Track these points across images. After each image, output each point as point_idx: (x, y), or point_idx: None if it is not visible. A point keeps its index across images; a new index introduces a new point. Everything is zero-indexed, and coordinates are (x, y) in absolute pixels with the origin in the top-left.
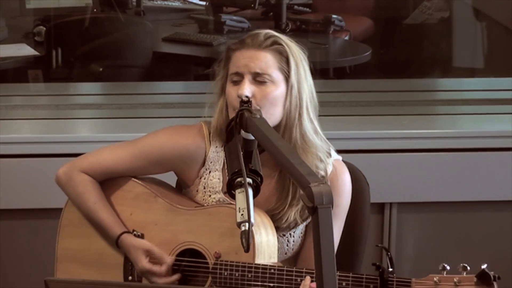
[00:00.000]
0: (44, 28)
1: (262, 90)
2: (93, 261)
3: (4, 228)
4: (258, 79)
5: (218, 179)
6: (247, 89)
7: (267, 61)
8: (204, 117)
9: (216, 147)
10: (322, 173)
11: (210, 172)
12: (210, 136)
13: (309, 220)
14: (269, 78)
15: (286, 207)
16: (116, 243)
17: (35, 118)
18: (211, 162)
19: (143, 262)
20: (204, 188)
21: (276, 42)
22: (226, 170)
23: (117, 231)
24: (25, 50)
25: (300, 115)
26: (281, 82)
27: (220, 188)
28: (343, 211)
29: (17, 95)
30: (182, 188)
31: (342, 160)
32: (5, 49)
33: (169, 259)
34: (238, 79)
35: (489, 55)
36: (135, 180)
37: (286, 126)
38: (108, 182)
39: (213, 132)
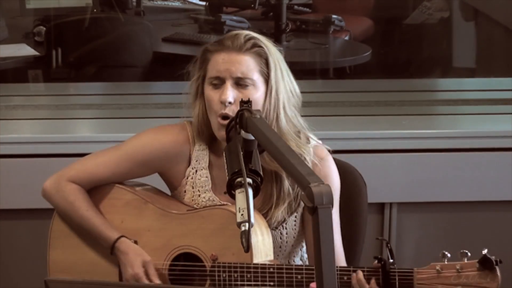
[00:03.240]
0: (44, 28)
1: (244, 94)
2: (87, 272)
3: (4, 228)
4: (240, 83)
5: (206, 177)
6: (230, 94)
7: (248, 65)
8: (184, 117)
9: (200, 145)
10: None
11: (196, 171)
12: (193, 135)
13: (299, 212)
14: (250, 82)
15: (272, 208)
16: (112, 247)
17: (35, 118)
18: (196, 161)
19: (139, 270)
20: (193, 188)
21: (256, 45)
22: (226, 170)
23: (114, 235)
24: (25, 50)
25: (277, 115)
26: (261, 85)
27: (210, 187)
28: (336, 193)
29: (17, 95)
30: (170, 191)
31: (335, 156)
32: (5, 49)
33: (158, 283)
34: (218, 82)
35: (489, 55)
36: (124, 187)
37: None
38: (96, 191)
39: (195, 134)
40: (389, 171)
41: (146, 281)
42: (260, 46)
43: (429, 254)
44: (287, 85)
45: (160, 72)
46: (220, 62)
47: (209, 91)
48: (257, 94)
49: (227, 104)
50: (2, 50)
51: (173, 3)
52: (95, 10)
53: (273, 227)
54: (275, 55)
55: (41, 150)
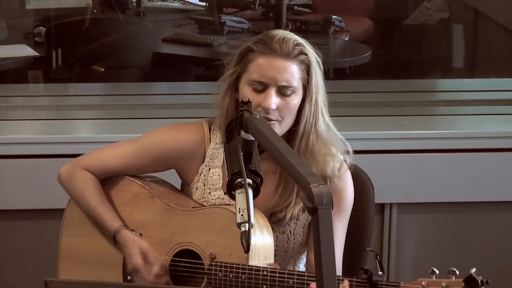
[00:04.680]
0: (44, 29)
1: (286, 102)
2: (94, 260)
3: (4, 228)
4: (283, 91)
5: (218, 175)
6: (274, 102)
7: (293, 73)
8: (206, 117)
9: (216, 144)
10: (336, 172)
11: (209, 169)
12: (210, 133)
13: (308, 220)
14: (293, 90)
15: (291, 204)
16: (113, 237)
17: (35, 119)
18: (210, 159)
19: (137, 259)
20: (204, 185)
21: (302, 52)
22: (227, 171)
23: (115, 225)
24: (25, 50)
25: (315, 122)
26: (299, 91)
27: (221, 185)
28: (348, 208)
29: (17, 96)
30: (184, 188)
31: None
32: (5, 49)
33: (160, 263)
34: (261, 88)
35: (489, 55)
36: (134, 180)
37: (303, 133)
38: (108, 181)
39: (217, 131)
40: (389, 172)
41: (145, 271)
42: (305, 54)
43: (429, 254)
44: (323, 88)
45: (160, 72)
46: (266, 66)
47: (248, 93)
48: (295, 101)
49: (270, 111)
50: (2, 51)
51: (173, 4)
52: (95, 11)
53: (281, 231)
54: (316, 61)
55: (41, 151)
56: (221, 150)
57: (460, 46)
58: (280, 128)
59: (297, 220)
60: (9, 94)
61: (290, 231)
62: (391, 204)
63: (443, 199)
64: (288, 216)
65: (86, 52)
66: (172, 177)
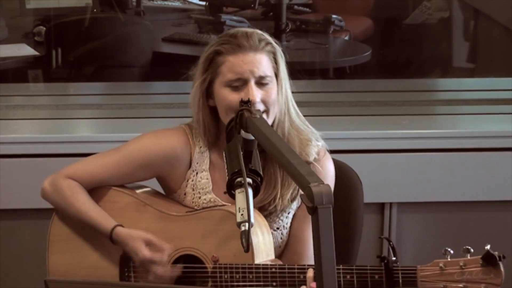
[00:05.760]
0: (44, 28)
1: (267, 91)
2: (87, 275)
3: (4, 228)
4: (262, 81)
5: (207, 179)
6: (257, 95)
7: (265, 63)
8: (182, 117)
9: (200, 147)
10: (316, 156)
11: (197, 173)
12: (193, 138)
13: (295, 205)
14: (269, 79)
15: (278, 196)
16: (110, 237)
17: (35, 118)
18: (197, 163)
19: (144, 252)
20: (193, 190)
21: (268, 43)
22: (226, 170)
23: (111, 225)
24: (25, 50)
25: (288, 108)
26: (274, 80)
27: (211, 188)
28: None
29: (17, 95)
30: (168, 195)
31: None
32: (5, 49)
33: (168, 247)
34: (240, 84)
35: (489, 55)
36: (122, 190)
37: (279, 121)
38: (95, 194)
39: (198, 135)
40: (389, 171)
41: (156, 257)
42: (270, 43)
43: (429, 254)
44: (288, 77)
45: (160, 72)
46: (240, 63)
47: (227, 94)
48: (274, 89)
49: (256, 104)
50: (2, 50)
51: (173, 3)
52: (95, 10)
53: (275, 228)
54: (279, 50)
55: (41, 150)
56: (207, 153)
57: (460, 46)
58: (268, 121)
59: (288, 213)
60: (9, 94)
61: (283, 226)
62: (391, 204)
63: (443, 199)
64: (278, 208)
65: (86, 51)
66: (157, 184)
